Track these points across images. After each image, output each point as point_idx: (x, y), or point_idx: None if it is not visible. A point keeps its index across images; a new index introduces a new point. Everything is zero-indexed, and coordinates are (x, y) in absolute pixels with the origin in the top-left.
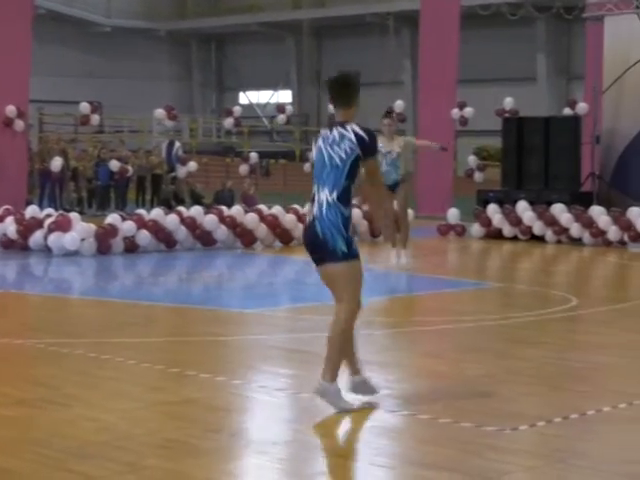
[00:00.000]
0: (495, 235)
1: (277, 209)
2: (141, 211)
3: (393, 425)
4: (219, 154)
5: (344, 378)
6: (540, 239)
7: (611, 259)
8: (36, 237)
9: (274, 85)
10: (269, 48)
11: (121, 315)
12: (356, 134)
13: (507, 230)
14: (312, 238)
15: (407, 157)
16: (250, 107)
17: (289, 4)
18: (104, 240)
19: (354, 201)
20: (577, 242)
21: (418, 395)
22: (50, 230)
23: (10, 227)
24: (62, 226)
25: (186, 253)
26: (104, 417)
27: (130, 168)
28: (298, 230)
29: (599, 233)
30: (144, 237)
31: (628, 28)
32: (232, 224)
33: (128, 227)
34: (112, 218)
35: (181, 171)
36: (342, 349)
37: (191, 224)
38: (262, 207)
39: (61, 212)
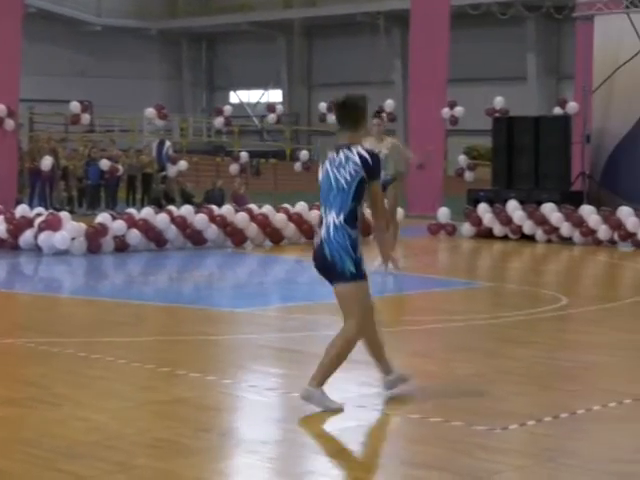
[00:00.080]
0: (485, 234)
1: (267, 208)
2: (131, 210)
3: (383, 424)
4: (209, 153)
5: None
6: (530, 238)
7: (601, 258)
8: (26, 236)
9: (265, 84)
10: (260, 47)
11: (111, 314)
12: (360, 156)
13: (497, 229)
14: (321, 260)
15: (396, 158)
16: (240, 106)
17: (280, 3)
18: (94, 239)
19: None
20: (567, 241)
21: (408, 394)
22: (40, 229)
23: (0, 226)
24: (52, 225)
25: (176, 252)
26: (94, 417)
27: (120, 167)
28: (288, 229)
29: (589, 232)
30: (134, 236)
31: (618, 28)
32: (222, 223)
33: (118, 226)
34: (102, 217)
35: (171, 170)
36: (340, 361)
37: (181, 223)
38: (252, 206)
39: (51, 211)
